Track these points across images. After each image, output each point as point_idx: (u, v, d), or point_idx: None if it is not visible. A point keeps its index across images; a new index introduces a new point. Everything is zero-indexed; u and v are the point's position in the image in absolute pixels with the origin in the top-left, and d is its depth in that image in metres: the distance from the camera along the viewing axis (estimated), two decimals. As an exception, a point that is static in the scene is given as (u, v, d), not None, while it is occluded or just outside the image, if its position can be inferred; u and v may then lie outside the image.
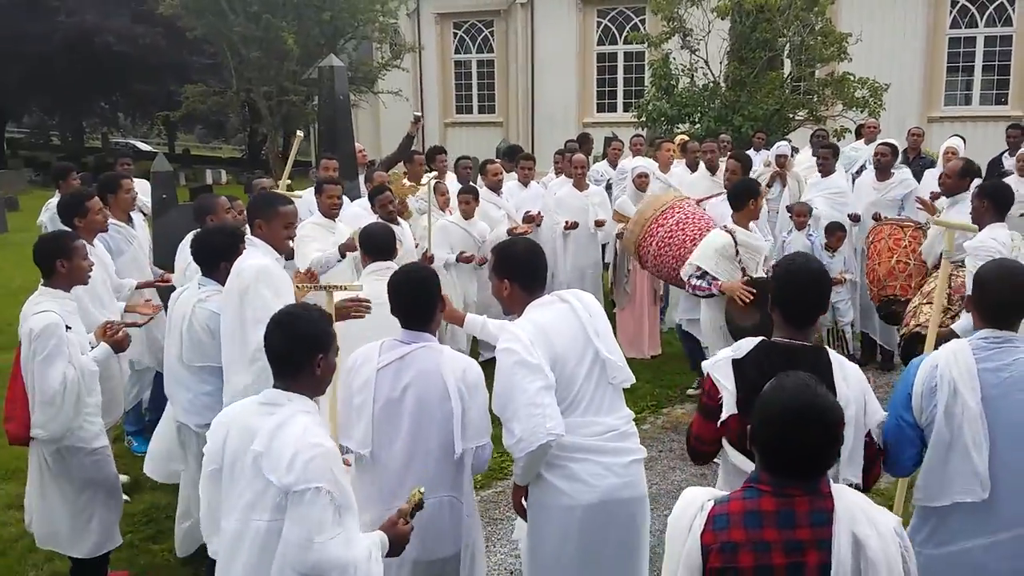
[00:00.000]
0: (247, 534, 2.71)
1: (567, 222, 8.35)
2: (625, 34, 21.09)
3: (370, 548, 2.71)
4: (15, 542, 5.22)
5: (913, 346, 5.68)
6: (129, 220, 6.41)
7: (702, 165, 8.86)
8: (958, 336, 5.13)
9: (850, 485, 2.91)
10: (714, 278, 5.92)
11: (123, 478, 5.64)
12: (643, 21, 20.94)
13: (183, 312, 4.48)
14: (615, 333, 3.85)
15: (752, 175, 10.07)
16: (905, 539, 2.27)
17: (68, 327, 4.19)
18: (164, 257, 6.56)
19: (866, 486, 2.99)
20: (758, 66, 14.69)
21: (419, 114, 9.73)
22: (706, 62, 15.20)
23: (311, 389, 2.87)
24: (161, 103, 28.95)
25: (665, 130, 14.48)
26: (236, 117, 27.30)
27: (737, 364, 3.03)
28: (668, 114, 14.80)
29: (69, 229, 5.14)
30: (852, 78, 14.45)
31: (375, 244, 4.95)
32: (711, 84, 15.16)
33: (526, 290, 3.49)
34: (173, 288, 5.40)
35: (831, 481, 2.26)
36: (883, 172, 8.03)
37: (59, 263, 4.32)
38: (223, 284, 4.39)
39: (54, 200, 7.22)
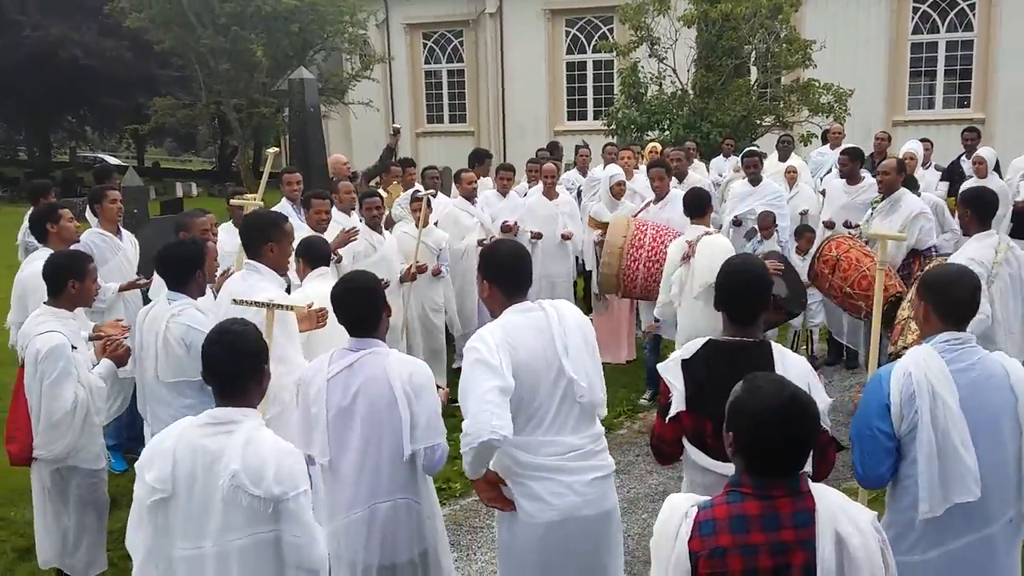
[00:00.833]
0: (231, 555, 2.76)
1: (532, 232, 8.39)
2: (594, 43, 21.23)
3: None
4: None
5: (892, 310, 5.80)
6: (117, 231, 6.45)
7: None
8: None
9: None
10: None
11: (101, 497, 5.64)
12: (611, 30, 21.13)
13: (155, 329, 4.38)
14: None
15: (722, 181, 10.23)
16: (882, 533, 2.32)
17: (74, 347, 4.17)
18: (143, 272, 6.54)
19: (820, 475, 2.97)
20: (725, 73, 14.88)
21: (398, 126, 9.75)
22: (674, 70, 15.35)
23: (256, 401, 2.93)
24: (129, 116, 28.71)
25: (635, 137, 14.61)
26: (206, 129, 27.20)
27: (686, 364, 3.13)
28: (638, 122, 14.94)
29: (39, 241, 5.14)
30: (817, 84, 14.67)
31: (315, 253, 5.08)
32: (679, 92, 15.32)
33: (505, 293, 3.44)
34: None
35: (808, 479, 2.30)
36: (852, 178, 8.15)
37: (71, 283, 4.30)
38: (193, 297, 4.37)
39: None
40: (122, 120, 30.85)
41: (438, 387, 3.54)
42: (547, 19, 22.33)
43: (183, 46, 21.89)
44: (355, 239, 6.37)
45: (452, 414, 3.76)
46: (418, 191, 7.92)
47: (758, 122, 14.99)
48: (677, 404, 3.08)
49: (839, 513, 2.25)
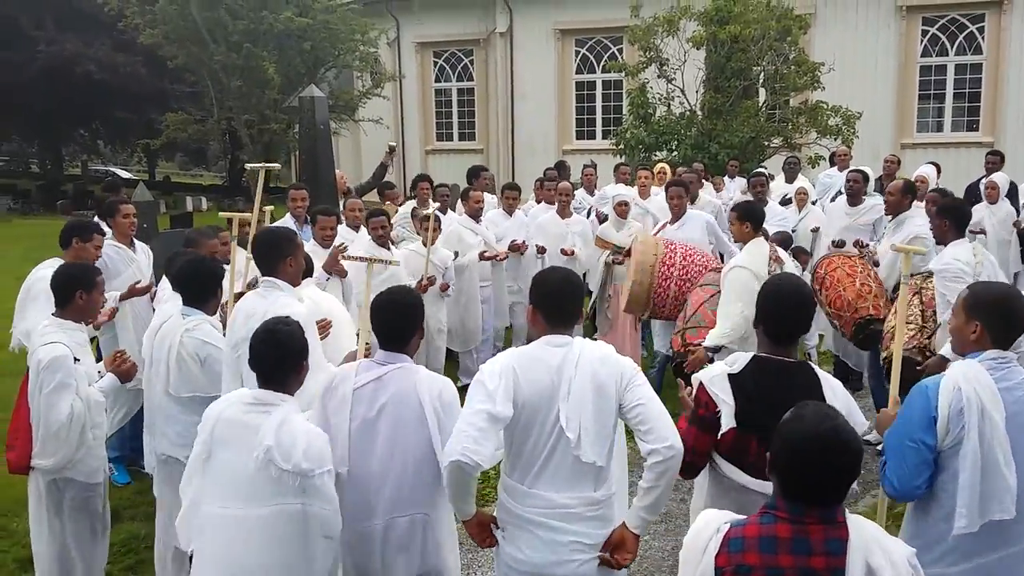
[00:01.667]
0: (254, 520, 3.14)
1: (538, 247, 8.45)
2: (603, 63, 21.33)
3: None
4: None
5: (860, 331, 5.95)
6: (131, 244, 6.51)
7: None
8: (948, 361, 5.32)
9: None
10: None
11: (102, 508, 5.64)
12: (620, 50, 21.21)
13: (168, 343, 4.38)
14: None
15: (729, 202, 10.26)
16: (919, 571, 2.29)
17: (76, 359, 4.18)
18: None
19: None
20: (733, 95, 14.92)
21: (393, 144, 9.78)
22: (682, 91, 15.41)
23: (294, 389, 3.34)
24: (141, 131, 28.96)
25: (643, 158, 14.65)
26: (217, 145, 27.38)
27: (734, 378, 3.11)
28: (646, 142, 14.99)
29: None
30: (825, 106, 14.70)
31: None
32: (688, 112, 15.37)
33: (548, 322, 3.29)
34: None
35: (846, 511, 2.28)
36: (855, 198, 8.22)
37: (79, 294, 4.32)
38: (209, 314, 4.39)
39: None
40: (134, 134, 31.14)
41: None
42: (557, 39, 22.45)
43: (196, 62, 22.08)
44: (344, 256, 6.36)
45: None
46: (415, 209, 7.97)
47: (766, 143, 15.02)
48: (728, 420, 3.07)
49: (873, 545, 2.22)
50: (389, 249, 7.14)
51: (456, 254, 7.88)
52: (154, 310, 5.58)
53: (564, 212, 8.73)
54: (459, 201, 8.97)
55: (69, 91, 27.42)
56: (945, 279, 5.31)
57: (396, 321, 3.47)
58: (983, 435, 3.00)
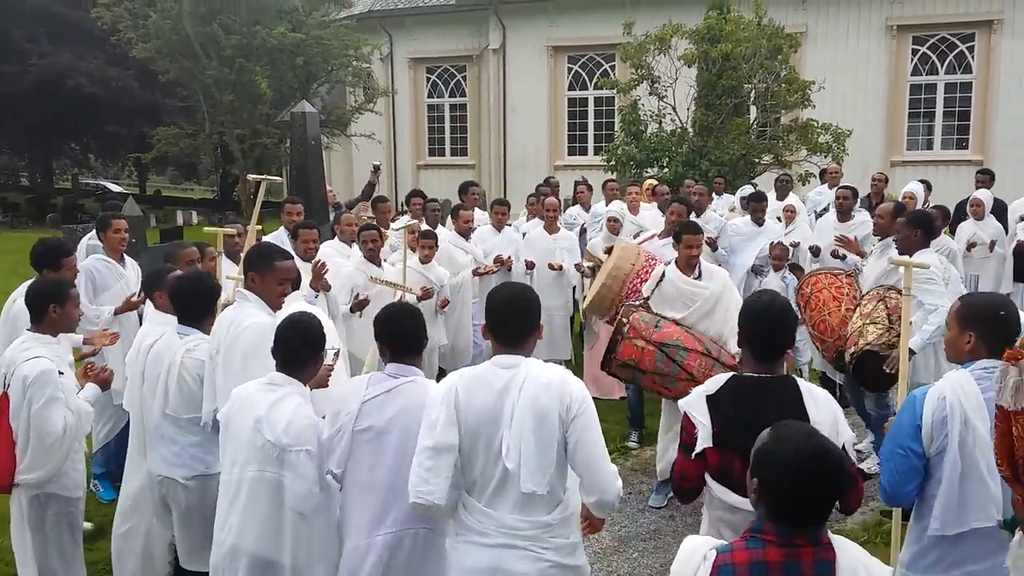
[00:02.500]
0: (243, 483, 3.48)
1: (526, 262, 8.46)
2: (595, 80, 21.42)
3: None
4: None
5: (864, 364, 5.81)
6: (121, 259, 6.49)
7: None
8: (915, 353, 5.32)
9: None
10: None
11: (87, 526, 5.57)
12: (612, 67, 21.32)
13: (166, 363, 4.33)
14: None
15: (718, 219, 10.28)
16: None
17: (60, 372, 4.16)
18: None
19: (851, 507, 3.07)
20: (724, 112, 14.99)
21: (378, 163, 9.76)
22: (674, 108, 15.48)
23: (306, 379, 3.63)
24: (132, 145, 28.92)
25: (634, 174, 14.69)
26: (208, 159, 27.37)
27: (711, 399, 3.12)
28: (637, 158, 15.05)
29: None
30: (816, 124, 14.79)
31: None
32: (679, 130, 15.43)
33: (496, 341, 3.29)
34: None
35: (828, 532, 2.28)
36: (844, 215, 8.30)
37: (52, 308, 4.28)
38: (206, 332, 4.34)
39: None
40: (125, 148, 31.08)
41: None
42: (550, 55, 22.55)
43: (188, 76, 22.09)
44: (325, 272, 6.33)
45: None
46: (411, 225, 7.95)
47: (757, 161, 15.09)
48: (703, 440, 3.07)
49: (859, 566, 2.22)
50: (380, 265, 7.12)
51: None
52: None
53: (551, 227, 8.73)
54: (449, 218, 8.96)
55: (60, 104, 27.35)
56: (918, 281, 5.32)
57: (407, 332, 3.50)
58: (965, 444, 3.07)
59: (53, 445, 4.08)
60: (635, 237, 8.16)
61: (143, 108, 28.23)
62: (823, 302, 6.46)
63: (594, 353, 8.19)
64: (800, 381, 3.20)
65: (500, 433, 3.08)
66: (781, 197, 10.59)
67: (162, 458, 4.39)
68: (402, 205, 9.71)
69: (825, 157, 14.32)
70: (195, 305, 4.39)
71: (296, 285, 5.13)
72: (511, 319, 3.26)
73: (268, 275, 4.23)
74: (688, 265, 6.04)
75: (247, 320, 4.05)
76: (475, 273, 8.15)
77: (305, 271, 6.43)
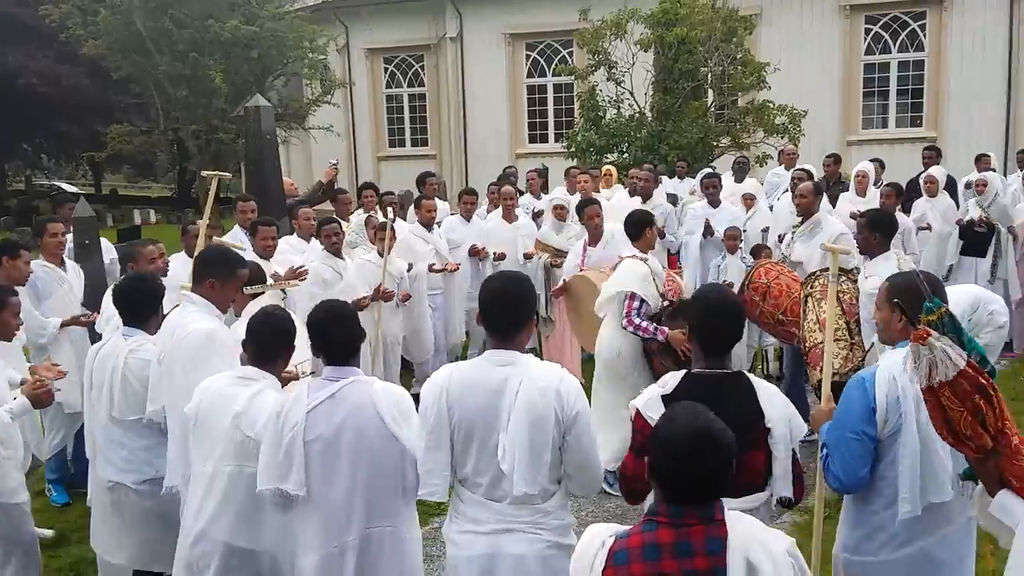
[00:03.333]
0: (219, 476, 3.52)
1: (495, 253, 8.45)
2: (554, 66, 21.40)
3: None
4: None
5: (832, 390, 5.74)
6: (61, 263, 6.35)
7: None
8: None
9: (784, 500, 3.05)
10: (658, 327, 5.77)
11: (48, 532, 5.51)
12: (571, 54, 21.29)
13: (111, 366, 4.28)
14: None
15: (679, 202, 10.35)
16: (799, 560, 2.32)
17: None
18: (89, 303, 6.45)
19: (797, 499, 3.11)
20: (682, 96, 15.07)
21: (335, 162, 9.64)
22: (631, 93, 15.52)
23: (278, 372, 3.68)
24: (86, 144, 28.36)
25: (594, 160, 14.72)
26: (164, 156, 26.95)
27: (667, 399, 3.09)
28: (597, 144, 15.08)
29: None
30: (772, 106, 14.90)
31: (252, 281, 4.82)
32: (637, 115, 15.47)
33: (488, 334, 3.29)
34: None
35: (724, 508, 2.30)
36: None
37: None
38: (151, 333, 4.28)
39: None
40: (78, 147, 30.49)
41: None
42: (507, 43, 22.46)
43: (141, 73, 21.69)
44: (304, 278, 6.28)
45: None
46: (371, 216, 7.91)
47: (715, 144, 15.18)
48: None
49: (751, 541, 2.25)
50: (342, 258, 7.07)
51: (410, 265, 7.82)
52: (99, 334, 5.47)
53: (509, 217, 8.73)
54: (412, 209, 8.91)
55: (10, 105, 26.79)
56: (871, 295, 5.23)
57: (340, 334, 3.41)
58: (919, 422, 3.08)
59: None
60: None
61: (95, 106, 27.73)
62: (786, 286, 6.37)
63: (550, 343, 8.22)
64: (752, 377, 3.21)
65: (495, 434, 3.10)
66: (739, 179, 10.68)
67: (111, 463, 4.33)
68: (357, 199, 9.57)
69: (782, 138, 14.44)
70: (139, 306, 4.34)
71: (257, 280, 5.07)
72: (499, 311, 3.23)
73: (229, 283, 4.20)
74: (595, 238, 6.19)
75: (190, 325, 3.98)
76: (430, 270, 8.10)
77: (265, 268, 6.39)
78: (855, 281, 5.68)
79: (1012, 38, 18.54)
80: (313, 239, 7.28)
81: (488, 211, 9.51)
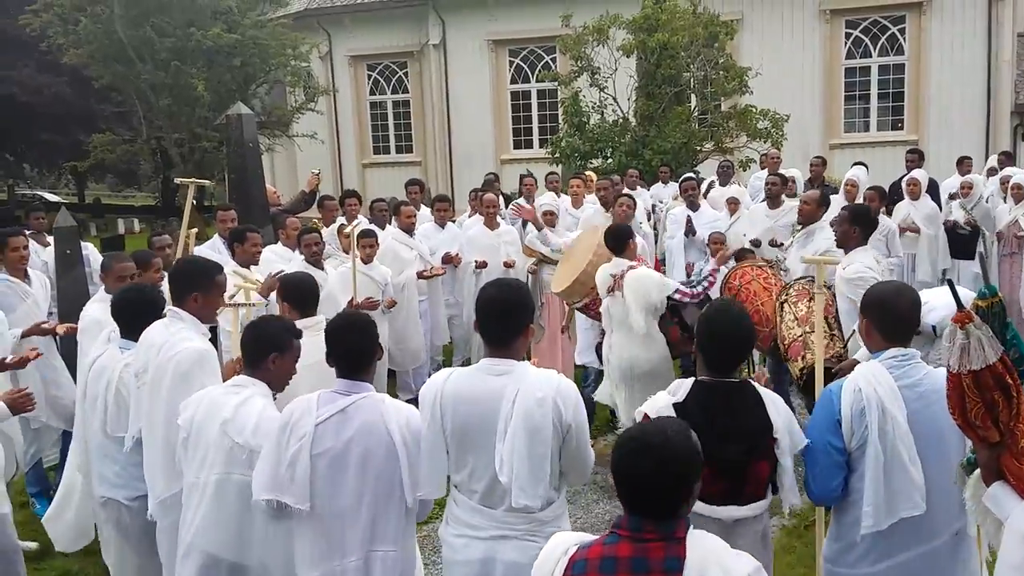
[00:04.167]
0: (207, 486, 3.47)
1: (477, 261, 8.45)
2: (537, 73, 21.44)
3: None
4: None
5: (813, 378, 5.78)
6: (25, 276, 6.27)
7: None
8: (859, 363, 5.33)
9: (793, 509, 3.03)
10: (704, 281, 6.04)
11: (32, 545, 5.47)
12: (554, 60, 21.34)
13: (106, 379, 4.22)
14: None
15: (661, 208, 10.38)
16: None
17: None
18: (70, 314, 6.39)
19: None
20: (665, 101, 15.11)
21: (317, 171, 9.59)
22: (614, 99, 15.56)
23: (266, 379, 3.61)
24: (68, 153, 28.19)
25: (579, 165, 14.74)
26: (147, 164, 26.83)
27: (679, 407, 3.08)
28: (581, 150, 15.10)
29: None
30: (754, 110, 14.97)
31: (301, 295, 4.68)
32: (621, 120, 15.51)
33: (484, 340, 3.25)
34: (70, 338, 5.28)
35: (690, 527, 2.29)
36: (774, 200, 8.41)
37: None
38: None
39: None
40: (61, 157, 30.29)
41: None
42: (491, 49, 22.50)
43: (123, 81, 21.61)
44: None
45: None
46: (342, 226, 7.88)
47: (698, 148, 15.23)
48: None
49: (710, 562, 2.22)
50: (323, 269, 7.04)
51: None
52: (63, 343, 5.42)
53: (491, 224, 8.73)
54: (393, 217, 8.90)
55: (-8, 115, 26.65)
56: (858, 288, 5.19)
57: (357, 346, 3.32)
58: (885, 434, 3.04)
59: None
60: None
61: (78, 115, 27.57)
62: (754, 292, 6.44)
63: (541, 347, 8.21)
64: (757, 386, 3.20)
65: (491, 444, 3.07)
66: (724, 183, 10.73)
67: (104, 478, 4.27)
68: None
69: (764, 142, 14.51)
70: (137, 319, 4.22)
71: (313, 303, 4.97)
72: (496, 318, 3.20)
73: (212, 292, 4.13)
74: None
75: (181, 344, 3.88)
76: (420, 276, 8.09)
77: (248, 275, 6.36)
78: (829, 286, 5.73)
79: (991, 41, 18.73)
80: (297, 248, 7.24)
81: (470, 216, 9.50)
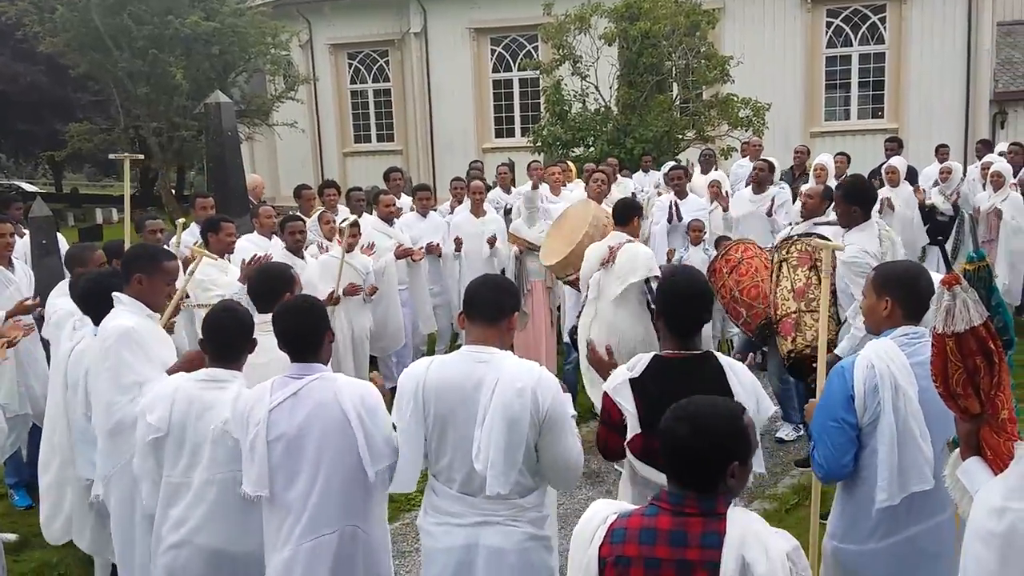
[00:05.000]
0: (213, 484, 3.43)
1: (456, 239, 8.45)
2: (519, 61, 21.37)
3: None
4: None
5: (802, 363, 5.64)
6: (9, 264, 6.23)
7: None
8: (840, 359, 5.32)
9: (758, 477, 3.04)
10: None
11: (10, 536, 5.43)
12: (536, 48, 21.27)
13: (84, 367, 4.24)
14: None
15: (643, 196, 10.39)
16: (799, 563, 2.28)
17: None
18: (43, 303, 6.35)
19: None
20: (647, 90, 15.11)
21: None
22: (596, 87, 15.54)
23: (242, 366, 3.58)
24: (45, 142, 27.89)
25: (561, 154, 14.72)
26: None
27: (635, 383, 3.11)
28: (563, 139, 15.07)
29: None
30: (736, 99, 14.98)
31: (262, 291, 4.29)
32: (603, 108, 15.49)
33: (471, 325, 3.26)
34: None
35: (731, 503, 2.29)
36: (760, 186, 8.47)
37: None
38: None
39: None
40: (38, 146, 29.96)
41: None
42: (472, 38, 22.40)
43: (100, 70, 21.35)
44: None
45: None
46: (324, 213, 7.85)
47: (680, 137, 15.24)
48: (633, 427, 3.09)
49: (751, 539, 2.23)
50: (303, 258, 7.00)
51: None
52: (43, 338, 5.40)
53: (478, 211, 8.72)
54: (372, 207, 8.87)
55: (-33, 104, 26.32)
56: (853, 272, 5.24)
57: (304, 329, 3.34)
58: (898, 410, 3.08)
59: None
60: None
61: (54, 104, 27.27)
62: (755, 268, 6.37)
63: (525, 335, 8.20)
64: (720, 357, 3.22)
65: (471, 431, 3.08)
66: (705, 171, 10.75)
67: (88, 461, 4.29)
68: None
69: (746, 131, 14.53)
70: (104, 304, 4.20)
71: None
72: (484, 296, 3.24)
73: (156, 276, 4.14)
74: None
75: (108, 323, 3.94)
76: (398, 255, 8.06)
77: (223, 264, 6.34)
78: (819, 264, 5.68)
79: (971, 30, 18.82)
80: (275, 236, 7.19)
81: (452, 207, 9.46)
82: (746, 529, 2.24)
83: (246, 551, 3.48)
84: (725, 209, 8.46)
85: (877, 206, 9.02)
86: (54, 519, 4.94)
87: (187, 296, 4.71)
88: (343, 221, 7.23)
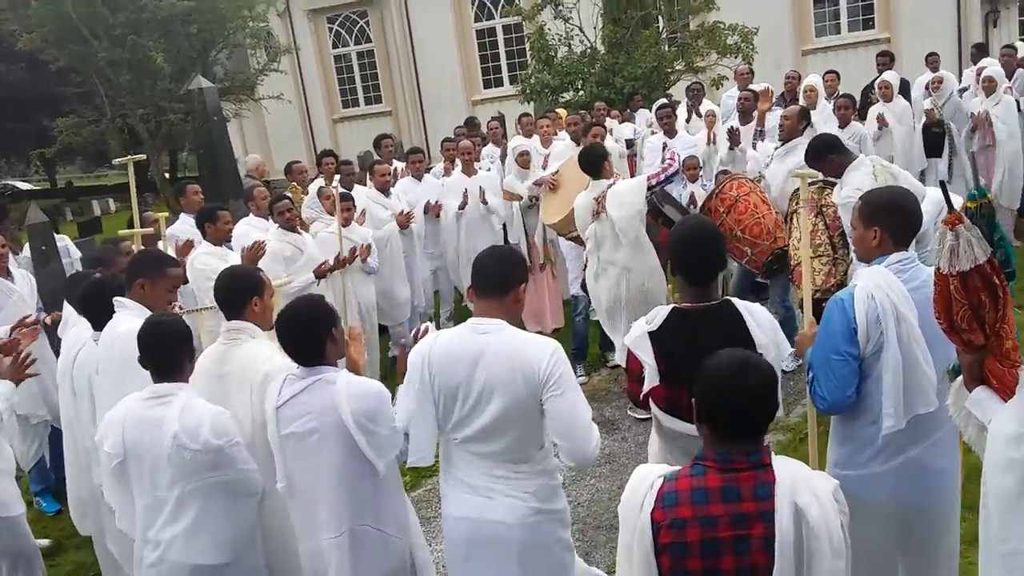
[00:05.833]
0: (186, 497, 3.34)
1: (459, 204, 8.38)
2: (500, 8, 21.03)
3: None
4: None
5: (776, 262, 5.92)
6: (7, 274, 6.21)
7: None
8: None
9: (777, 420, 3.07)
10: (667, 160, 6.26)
11: (44, 542, 5.52)
12: (516, -7, 20.92)
13: (88, 373, 4.27)
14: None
15: (636, 137, 10.28)
16: (841, 501, 2.37)
17: None
18: (52, 308, 6.36)
19: None
20: (632, 26, 14.84)
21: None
22: (580, 29, 15.30)
23: (187, 377, 3.48)
24: (34, 140, 27.76)
25: (550, 101, 14.55)
26: (116, 143, 26.43)
27: (654, 336, 3.13)
28: (551, 85, 14.87)
29: None
30: (723, 26, 14.72)
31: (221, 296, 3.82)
32: (589, 50, 15.27)
33: (478, 295, 3.29)
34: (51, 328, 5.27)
35: (771, 451, 2.36)
36: (746, 115, 8.38)
37: None
38: None
39: None
40: (28, 144, 29.80)
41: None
42: (451, -12, 22.06)
43: (81, 62, 21.14)
44: (262, 254, 6.22)
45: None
46: (323, 187, 7.80)
47: (669, 71, 15.02)
48: (651, 379, 3.11)
49: (799, 484, 2.30)
50: (299, 233, 7.00)
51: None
52: (59, 337, 5.39)
53: (468, 170, 8.66)
54: (367, 175, 8.81)
55: (-49, 107, 26.17)
56: (844, 209, 5.23)
57: (301, 338, 3.33)
58: (901, 338, 3.09)
59: None
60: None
61: (39, 100, 27.08)
62: (754, 204, 6.35)
63: (530, 293, 8.20)
64: (737, 303, 3.21)
65: (474, 401, 3.12)
66: (694, 104, 10.63)
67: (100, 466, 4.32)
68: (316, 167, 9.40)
69: (735, 58, 14.30)
70: (105, 309, 4.22)
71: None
72: (490, 264, 3.26)
73: (159, 282, 4.16)
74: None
75: (120, 327, 3.94)
76: (400, 223, 8.03)
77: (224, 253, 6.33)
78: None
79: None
80: (270, 218, 7.17)
81: (445, 169, 9.39)
82: (794, 476, 2.32)
83: (226, 562, 3.43)
84: (736, 143, 8.27)
85: (875, 124, 9.00)
86: (85, 517, 4.99)
87: (179, 304, 4.69)
88: (332, 187, 7.23)
